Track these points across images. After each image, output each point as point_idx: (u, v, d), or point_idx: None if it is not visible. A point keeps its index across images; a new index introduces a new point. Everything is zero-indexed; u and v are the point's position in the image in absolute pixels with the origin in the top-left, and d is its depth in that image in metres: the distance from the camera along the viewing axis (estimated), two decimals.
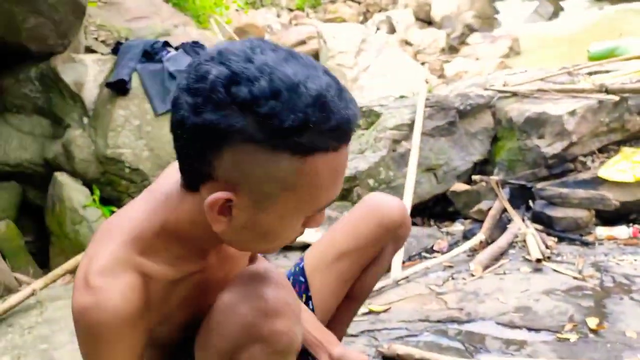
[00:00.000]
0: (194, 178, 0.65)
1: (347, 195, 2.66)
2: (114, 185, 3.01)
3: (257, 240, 0.70)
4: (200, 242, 0.73)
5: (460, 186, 2.69)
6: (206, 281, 0.79)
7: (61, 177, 3.06)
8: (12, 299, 1.96)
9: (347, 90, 0.65)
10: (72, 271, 2.30)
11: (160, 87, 2.97)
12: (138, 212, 0.72)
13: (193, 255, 0.74)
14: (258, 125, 0.59)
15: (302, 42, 5.77)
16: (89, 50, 3.47)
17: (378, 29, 7.46)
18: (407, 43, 6.62)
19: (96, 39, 3.62)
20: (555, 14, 8.06)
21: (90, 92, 3.04)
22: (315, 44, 5.65)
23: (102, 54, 3.38)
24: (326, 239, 1.10)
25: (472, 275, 1.88)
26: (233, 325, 0.73)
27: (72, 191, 3.00)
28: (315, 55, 5.61)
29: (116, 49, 3.23)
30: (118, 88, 2.97)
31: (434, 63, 5.75)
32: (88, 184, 2.99)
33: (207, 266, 0.77)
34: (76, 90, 3.03)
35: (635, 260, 1.78)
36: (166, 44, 3.20)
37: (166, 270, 0.71)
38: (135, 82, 3.04)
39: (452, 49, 6.36)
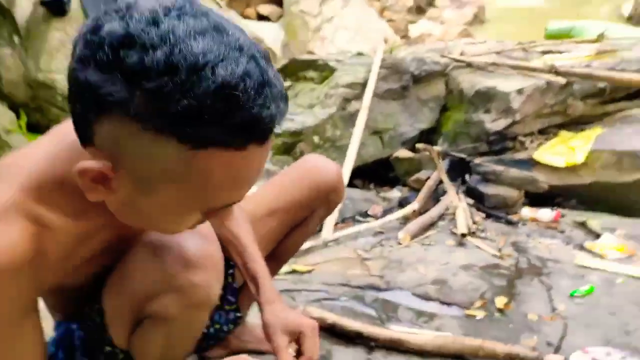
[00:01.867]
0: (80, 135, 0.58)
1: (289, 150, 2.62)
2: (44, 112, 2.83)
3: (141, 221, 0.64)
4: None
5: (404, 152, 2.70)
6: (117, 236, 0.74)
7: None
8: None
9: (276, 85, 0.55)
10: None
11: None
12: (41, 154, 0.66)
13: (99, 208, 0.67)
14: (143, 101, 0.50)
15: None
16: None
17: None
18: None
19: None
20: None
21: (24, 9, 2.79)
22: None
23: None
24: (259, 195, 1.07)
25: (399, 244, 1.92)
26: (152, 270, 0.71)
27: None
28: None
29: None
30: (55, 7, 2.73)
31: (399, 22, 5.64)
32: (15, 107, 2.79)
33: (116, 222, 0.70)
34: (6, 5, 2.76)
35: (552, 243, 1.86)
36: None
37: (68, 223, 0.66)
38: (75, 4, 2.80)
39: (419, 10, 6.24)
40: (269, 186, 1.09)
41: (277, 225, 1.05)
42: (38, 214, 0.63)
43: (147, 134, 0.52)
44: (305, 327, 0.88)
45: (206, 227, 0.76)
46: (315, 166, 1.05)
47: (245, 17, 5.01)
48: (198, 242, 0.72)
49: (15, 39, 2.80)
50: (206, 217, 0.64)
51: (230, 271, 1.03)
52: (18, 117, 2.73)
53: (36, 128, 2.78)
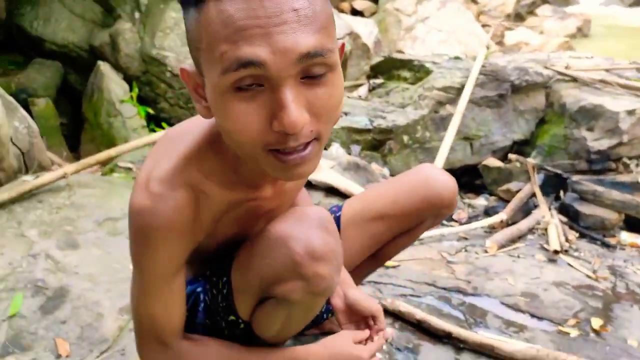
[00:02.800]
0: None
1: (378, 147, 2.65)
2: (152, 86, 3.03)
3: (225, 133, 0.66)
4: (244, 168, 0.74)
5: (493, 161, 2.65)
6: (257, 209, 0.82)
7: (104, 67, 3.08)
8: (45, 178, 2.03)
9: None
10: (104, 162, 2.37)
11: None
12: (200, 124, 0.74)
13: (247, 183, 0.76)
14: None
15: None
16: None
17: None
18: (473, 0, 6.28)
19: None
20: (637, 2, 7.50)
21: None
22: None
23: None
24: (369, 196, 1.10)
25: (486, 252, 1.89)
26: (281, 257, 0.75)
27: (112, 83, 3.03)
28: None
29: None
30: None
31: (496, 28, 5.47)
32: (129, 79, 3.01)
33: (260, 196, 0.79)
34: None
35: None
36: None
37: (221, 192, 0.74)
38: None
39: (518, 17, 6.01)
40: (381, 190, 1.10)
41: (384, 230, 1.06)
42: (198, 181, 0.72)
43: (187, 13, 0.61)
44: (377, 307, 0.98)
45: (332, 224, 0.80)
46: (431, 178, 1.03)
47: (340, 10, 5.07)
48: (324, 235, 0.76)
49: (136, 14, 3.02)
50: (271, 119, 0.60)
51: None
52: (131, 88, 2.95)
53: (145, 100, 2.99)
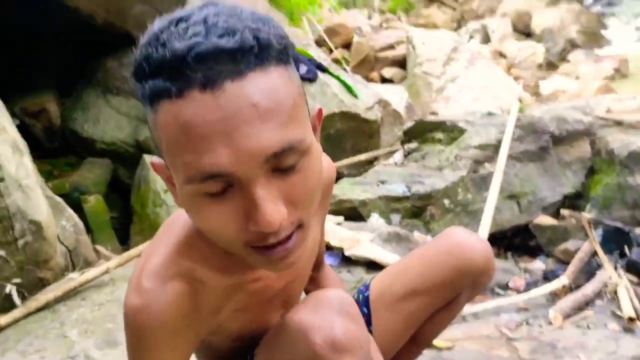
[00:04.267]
0: None
1: (419, 214, 2.55)
2: None
3: (202, 231, 0.63)
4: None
5: (545, 219, 2.49)
6: (262, 291, 0.76)
7: (149, 159, 3.20)
8: (89, 274, 2.06)
9: (217, 23, 0.52)
10: None
11: None
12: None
13: (243, 265, 0.71)
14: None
15: (391, 47, 5.64)
16: None
17: (471, 37, 7.17)
18: (501, 55, 6.29)
19: None
20: None
21: None
22: (404, 49, 5.50)
23: None
24: (397, 271, 1.01)
25: (550, 324, 1.71)
26: (302, 350, 0.70)
27: (156, 174, 3.13)
28: (403, 60, 5.47)
29: None
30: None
31: (528, 79, 5.41)
32: None
33: (262, 276, 0.74)
34: None
35: None
36: None
37: (217, 277, 0.69)
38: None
39: (550, 65, 5.94)
40: (408, 263, 1.01)
41: (417, 307, 0.96)
42: (192, 269, 0.67)
43: (145, 110, 0.57)
44: None
45: (355, 309, 0.73)
46: (460, 243, 0.95)
47: (370, 80, 5.17)
48: (346, 322, 0.70)
49: None
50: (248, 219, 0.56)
51: None
52: None
53: None
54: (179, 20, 0.53)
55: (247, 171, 0.54)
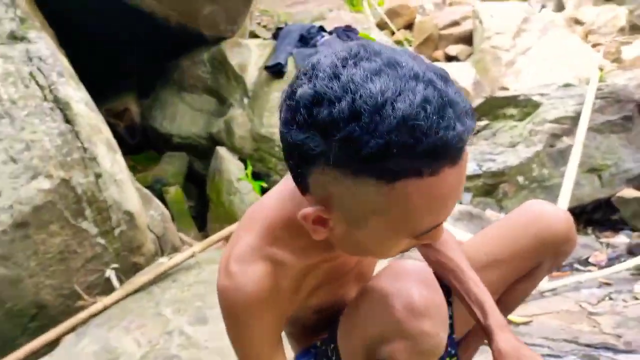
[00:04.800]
0: (299, 186, 0.66)
1: (491, 192, 2.50)
2: (264, 162, 3.24)
3: (359, 251, 0.70)
4: None
5: (630, 192, 2.35)
6: (336, 269, 0.81)
7: (222, 151, 3.39)
8: (177, 258, 2.23)
9: (458, 102, 0.55)
10: (226, 238, 2.55)
11: None
12: (271, 204, 0.77)
13: (319, 246, 0.75)
14: (338, 150, 0.55)
15: (456, 23, 5.45)
16: (253, 35, 3.74)
17: (543, 7, 6.75)
18: (577, 22, 5.87)
19: (259, 23, 3.89)
20: None
21: (252, 75, 3.29)
22: (470, 24, 5.30)
23: (264, 38, 3.62)
24: (476, 243, 1.01)
25: (636, 299, 1.64)
26: (382, 316, 0.73)
27: (229, 164, 3.31)
28: (469, 37, 5.29)
29: (276, 34, 3.43)
30: (275, 71, 3.16)
31: (608, 45, 5.03)
32: (243, 158, 3.27)
33: (335, 255, 0.79)
34: (240, 73, 3.31)
35: None
36: (321, 29, 3.30)
37: (295, 259, 0.75)
38: (290, 66, 3.20)
39: (635, 28, 5.46)
40: (489, 234, 1.01)
41: (498, 276, 0.97)
42: (273, 253, 0.74)
43: (348, 177, 0.57)
44: None
45: (431, 277, 0.76)
46: (542, 213, 0.94)
47: (434, 59, 5.06)
48: (424, 290, 0.73)
49: (245, 100, 3.32)
50: (417, 240, 0.66)
51: (450, 322, 1.00)
52: (245, 167, 3.19)
53: (258, 176, 3.20)
54: (424, 102, 0.53)
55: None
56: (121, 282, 2.13)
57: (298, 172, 0.63)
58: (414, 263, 0.79)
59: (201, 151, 3.72)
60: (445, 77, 0.57)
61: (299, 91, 0.58)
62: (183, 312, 1.83)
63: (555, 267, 1.02)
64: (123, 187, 2.15)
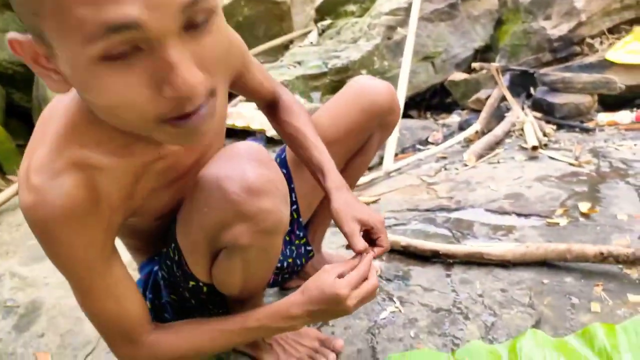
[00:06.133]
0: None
1: (338, 88, 2.53)
2: None
3: (99, 109, 0.55)
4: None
5: (458, 75, 2.56)
6: (172, 169, 0.73)
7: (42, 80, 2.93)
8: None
9: None
10: None
11: None
12: (68, 99, 0.64)
13: (143, 141, 0.65)
14: None
15: None
16: None
17: None
18: None
19: None
20: None
21: None
22: None
23: None
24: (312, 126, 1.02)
25: (465, 165, 1.84)
26: (217, 202, 0.68)
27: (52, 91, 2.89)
28: None
29: None
30: None
31: None
32: None
33: (169, 153, 0.70)
34: None
35: (635, 145, 1.71)
36: None
37: (115, 160, 0.64)
38: None
39: None
40: (321, 116, 1.01)
41: (336, 154, 0.97)
42: (84, 156, 0.62)
43: None
44: (374, 219, 0.83)
45: (265, 155, 0.72)
46: (363, 88, 0.97)
47: None
48: (258, 169, 0.69)
49: None
50: (159, 89, 0.50)
51: (294, 207, 1.00)
52: None
53: None
54: None
55: (160, 24, 0.47)
56: None
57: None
58: (246, 143, 0.74)
59: (18, 80, 3.19)
60: None
61: None
62: (12, 254, 1.62)
63: (385, 138, 1.06)
64: None
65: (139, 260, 0.95)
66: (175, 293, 0.86)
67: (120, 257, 0.71)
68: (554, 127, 2.02)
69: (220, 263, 0.77)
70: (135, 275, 0.93)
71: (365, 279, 0.77)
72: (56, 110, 0.64)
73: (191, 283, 0.82)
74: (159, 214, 0.78)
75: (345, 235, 0.81)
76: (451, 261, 1.20)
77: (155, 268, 0.89)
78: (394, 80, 2.52)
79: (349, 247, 0.83)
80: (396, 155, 2.08)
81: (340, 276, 0.76)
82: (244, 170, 0.68)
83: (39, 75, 0.54)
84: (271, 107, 0.94)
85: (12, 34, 0.52)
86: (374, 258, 0.81)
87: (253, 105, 2.27)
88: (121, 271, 0.70)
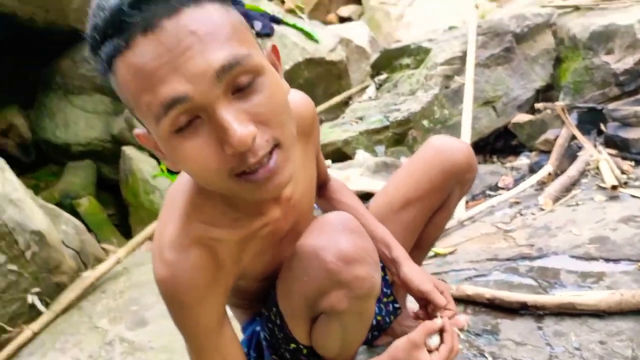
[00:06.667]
0: None
1: (401, 140, 2.61)
2: None
3: (193, 178, 0.68)
4: (238, 200, 0.73)
5: (522, 117, 2.55)
6: (274, 234, 0.81)
7: (129, 150, 3.21)
8: (101, 267, 2.12)
9: None
10: (151, 237, 2.45)
11: None
12: (185, 179, 0.75)
13: (250, 214, 0.76)
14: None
15: None
16: None
17: None
18: None
19: None
20: None
21: None
22: None
23: None
24: (390, 188, 1.07)
25: (542, 210, 1.80)
26: (315, 271, 0.74)
27: (140, 163, 3.15)
28: None
29: None
30: None
31: None
32: (153, 154, 3.13)
33: (270, 221, 0.79)
34: None
35: None
36: None
37: (230, 232, 0.74)
38: None
39: None
40: (400, 176, 1.07)
41: (415, 215, 1.04)
42: (206, 231, 0.72)
43: (108, 79, 0.61)
44: (443, 285, 0.90)
45: (356, 224, 0.78)
46: (441, 147, 1.02)
47: (328, 23, 5.10)
48: (351, 238, 0.75)
49: None
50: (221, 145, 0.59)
51: (381, 264, 1.05)
52: (158, 162, 3.06)
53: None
54: None
55: (203, 92, 0.56)
56: (47, 305, 2.01)
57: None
58: (338, 214, 0.81)
59: (107, 155, 3.51)
60: None
61: None
62: (119, 319, 1.75)
63: (464, 194, 1.10)
64: (22, 207, 1.99)
65: (240, 318, 1.02)
66: (277, 354, 0.92)
67: (229, 319, 0.79)
68: (632, 163, 1.95)
69: (319, 327, 0.83)
70: (239, 335, 0.99)
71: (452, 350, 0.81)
72: (177, 189, 0.75)
73: (292, 345, 0.88)
74: (261, 276, 0.87)
75: (424, 293, 0.88)
76: (541, 313, 1.18)
77: (258, 328, 0.96)
78: (455, 127, 2.55)
79: (417, 317, 0.88)
80: (467, 203, 2.08)
81: (428, 347, 0.81)
82: (339, 240, 0.75)
83: (161, 158, 0.66)
84: (321, 187, 1.02)
85: (137, 130, 0.66)
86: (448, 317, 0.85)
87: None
88: (231, 332, 0.78)
